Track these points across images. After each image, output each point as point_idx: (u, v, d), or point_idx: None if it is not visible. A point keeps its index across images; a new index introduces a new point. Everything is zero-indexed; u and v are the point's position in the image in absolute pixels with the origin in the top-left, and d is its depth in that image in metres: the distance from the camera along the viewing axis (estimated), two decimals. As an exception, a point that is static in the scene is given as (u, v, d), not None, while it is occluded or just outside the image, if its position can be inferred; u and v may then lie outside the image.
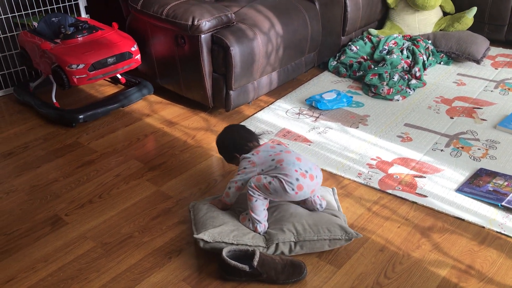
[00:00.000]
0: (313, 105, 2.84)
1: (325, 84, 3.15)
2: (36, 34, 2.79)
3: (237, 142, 2.01)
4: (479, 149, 2.43)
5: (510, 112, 2.72)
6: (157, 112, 2.87)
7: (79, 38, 2.73)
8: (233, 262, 1.64)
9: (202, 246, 1.76)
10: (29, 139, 2.63)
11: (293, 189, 1.75)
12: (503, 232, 1.90)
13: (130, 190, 2.20)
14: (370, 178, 2.23)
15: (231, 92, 2.67)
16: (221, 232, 1.78)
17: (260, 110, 2.86)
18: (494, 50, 3.55)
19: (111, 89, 3.12)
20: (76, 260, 1.83)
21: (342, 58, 3.32)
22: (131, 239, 1.92)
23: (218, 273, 1.72)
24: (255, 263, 1.63)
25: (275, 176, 1.76)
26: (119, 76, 3.08)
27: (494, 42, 3.62)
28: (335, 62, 3.34)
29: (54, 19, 2.88)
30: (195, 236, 1.76)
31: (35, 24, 2.91)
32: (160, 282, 1.72)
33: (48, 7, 3.15)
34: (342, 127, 2.66)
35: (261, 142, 2.04)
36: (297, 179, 1.76)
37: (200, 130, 2.68)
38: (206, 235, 1.75)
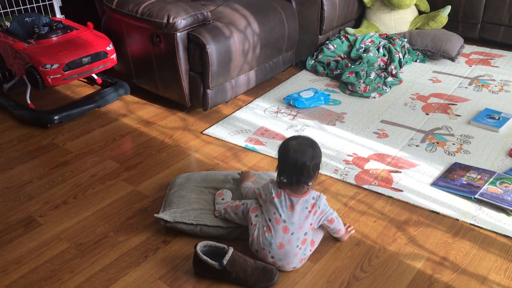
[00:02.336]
0: (291, 103, 2.85)
1: (303, 82, 3.16)
2: (9, 34, 2.74)
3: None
4: (453, 144, 2.46)
5: (483, 108, 2.76)
6: (134, 112, 2.85)
7: (53, 38, 2.69)
8: (204, 257, 1.64)
9: (164, 225, 1.86)
10: (2, 141, 2.58)
11: (251, 245, 1.73)
12: (476, 224, 1.93)
13: (105, 190, 2.18)
14: (346, 174, 2.24)
15: (209, 91, 2.66)
16: (183, 212, 1.84)
17: (238, 109, 2.86)
18: (468, 48, 3.61)
19: (87, 90, 3.08)
20: (49, 261, 1.80)
21: (319, 57, 3.34)
22: (107, 239, 1.89)
23: (194, 271, 1.71)
24: (225, 261, 1.62)
25: (258, 226, 1.72)
26: (95, 76, 3.05)
27: (468, 40, 3.68)
28: (313, 61, 3.35)
29: (27, 19, 2.83)
30: (155, 215, 1.84)
31: (8, 24, 2.87)
32: (136, 281, 1.71)
33: (22, 7, 3.10)
34: (319, 125, 2.67)
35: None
36: (257, 251, 1.71)
37: (177, 130, 2.66)
38: (168, 215, 1.84)
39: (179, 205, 1.90)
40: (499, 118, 2.63)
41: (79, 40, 2.72)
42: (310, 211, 1.69)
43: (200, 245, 1.68)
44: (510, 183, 2.09)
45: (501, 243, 1.84)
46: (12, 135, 2.63)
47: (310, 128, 2.63)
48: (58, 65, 2.55)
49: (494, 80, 3.13)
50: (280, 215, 1.68)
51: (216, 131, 2.63)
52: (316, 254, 1.79)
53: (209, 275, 1.67)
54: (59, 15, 3.23)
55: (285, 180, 1.68)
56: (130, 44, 2.79)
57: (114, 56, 2.80)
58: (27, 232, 1.94)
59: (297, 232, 1.68)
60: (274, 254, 1.68)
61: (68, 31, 2.76)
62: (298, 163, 1.64)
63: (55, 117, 2.66)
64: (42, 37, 2.67)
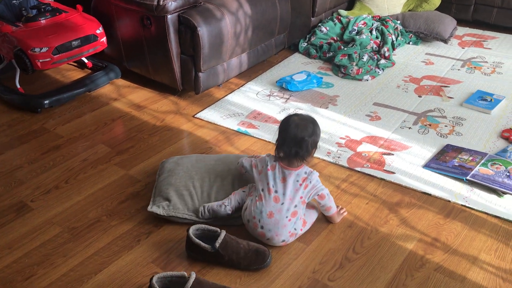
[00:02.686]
0: (284, 86, 2.84)
1: (296, 65, 3.15)
2: (-4, 17, 2.69)
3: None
4: (446, 126, 2.47)
5: (476, 90, 2.76)
6: (125, 96, 2.82)
7: (41, 21, 2.65)
8: (196, 240, 1.64)
9: (158, 214, 1.87)
10: (-8, 126, 2.56)
11: (243, 215, 1.78)
12: (467, 205, 1.94)
13: (97, 174, 2.17)
14: (339, 157, 2.24)
15: (200, 74, 2.64)
16: (170, 206, 1.87)
17: (231, 93, 2.84)
18: (461, 30, 3.59)
19: (77, 74, 3.04)
20: (42, 246, 1.79)
21: (312, 39, 3.31)
22: (99, 223, 1.89)
23: (186, 254, 1.71)
24: (218, 244, 1.63)
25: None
26: (85, 60, 3.01)
27: (461, 22, 3.67)
28: (306, 44, 3.33)
29: (15, 1, 2.78)
30: (149, 209, 1.87)
31: (-5, 7, 2.81)
32: (129, 264, 1.71)
33: (9, -10, 3.03)
34: (312, 108, 2.66)
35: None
36: (248, 221, 1.75)
37: (169, 114, 2.64)
38: (160, 210, 1.86)
39: (165, 198, 1.90)
40: (491, 100, 2.64)
41: (68, 23, 2.68)
42: (301, 185, 1.72)
43: (193, 229, 1.69)
44: (501, 164, 2.10)
45: (491, 224, 1.86)
46: (2, 120, 2.60)
47: (303, 111, 2.61)
48: (47, 48, 2.51)
49: (486, 62, 3.13)
50: (273, 186, 1.72)
51: (208, 114, 2.61)
52: (309, 236, 1.80)
53: (202, 258, 1.68)
54: (47, -2, 3.17)
55: (282, 154, 1.73)
56: (120, 27, 2.75)
57: (104, 39, 2.76)
58: (19, 217, 1.93)
59: (287, 203, 1.71)
60: (263, 223, 1.70)
61: (57, 14, 2.71)
62: (298, 136, 1.69)
63: (45, 102, 2.63)
64: (30, 20, 2.63)
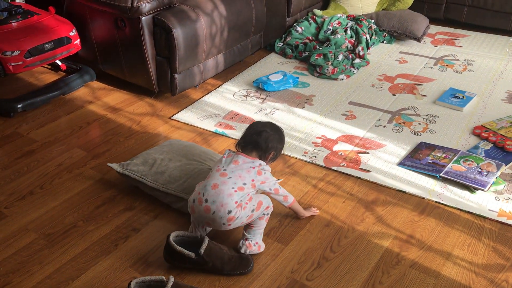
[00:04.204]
0: (260, 86, 2.85)
1: (272, 65, 3.16)
2: (-34, 20, 2.63)
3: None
4: (419, 124, 2.51)
5: (448, 88, 2.82)
6: (100, 98, 2.79)
7: (13, 24, 2.60)
8: (179, 247, 1.62)
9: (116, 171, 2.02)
10: (-37, 131, 2.50)
11: (189, 200, 1.72)
12: (441, 201, 1.99)
13: (73, 179, 2.14)
14: (315, 156, 2.26)
15: (176, 75, 2.63)
16: (128, 166, 2.03)
17: (208, 94, 2.84)
18: (434, 28, 3.66)
19: (51, 77, 3.00)
20: (17, 253, 1.76)
21: (288, 39, 3.33)
22: (75, 229, 1.87)
23: (165, 258, 1.71)
24: (202, 250, 1.61)
25: None
26: (59, 62, 2.96)
27: (434, 21, 3.74)
28: (281, 44, 3.35)
29: (-16, 4, 2.72)
30: (108, 164, 2.05)
31: (-36, 9, 2.75)
32: (107, 269, 1.70)
33: (-22, -8, 2.97)
34: (288, 108, 2.68)
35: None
36: (194, 200, 1.69)
37: (145, 116, 2.63)
38: (118, 168, 2.02)
39: (135, 159, 2.06)
40: (463, 97, 2.69)
41: (40, 25, 2.64)
42: (254, 168, 1.68)
43: (173, 235, 1.66)
44: (473, 161, 2.16)
45: (464, 220, 1.90)
46: (-27, 125, 2.55)
47: (279, 111, 2.64)
48: (19, 51, 2.47)
49: (458, 60, 3.19)
50: (222, 166, 1.70)
51: (185, 116, 2.61)
52: (286, 236, 1.82)
53: (184, 265, 1.65)
54: (19, 0, 3.12)
55: (241, 143, 1.76)
56: (94, 29, 2.72)
57: (78, 41, 2.73)
58: (-8, 224, 1.90)
59: (235, 178, 1.65)
60: (207, 196, 1.63)
61: (29, 16, 2.67)
62: (259, 128, 1.77)
63: (19, 106, 2.59)
64: (1, 22, 2.57)
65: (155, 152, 2.08)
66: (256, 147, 1.73)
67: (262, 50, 3.36)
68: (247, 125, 1.84)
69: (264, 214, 1.71)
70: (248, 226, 1.72)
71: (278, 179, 2.09)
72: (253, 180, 1.67)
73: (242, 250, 1.71)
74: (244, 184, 1.65)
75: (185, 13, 2.54)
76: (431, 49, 3.35)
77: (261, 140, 1.73)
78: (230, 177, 1.65)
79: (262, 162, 1.72)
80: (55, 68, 3.07)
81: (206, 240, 1.63)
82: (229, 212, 1.61)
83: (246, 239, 1.72)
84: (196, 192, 1.69)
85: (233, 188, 1.63)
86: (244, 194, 1.65)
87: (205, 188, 1.65)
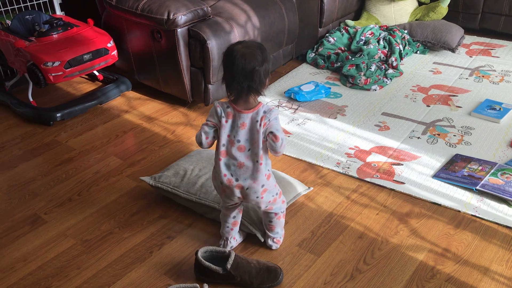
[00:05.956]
0: (292, 97, 2.86)
1: (304, 76, 3.17)
2: (10, 32, 2.74)
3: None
4: (454, 135, 2.47)
5: (484, 99, 2.77)
6: (136, 108, 2.86)
7: (54, 35, 2.70)
8: (206, 263, 1.64)
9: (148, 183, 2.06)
10: (6, 139, 2.59)
11: (214, 182, 1.71)
12: (477, 215, 1.94)
13: (109, 186, 2.20)
14: (348, 167, 2.25)
15: (210, 86, 2.67)
16: (160, 178, 2.06)
17: (240, 104, 2.86)
18: (469, 39, 3.60)
19: (88, 86, 3.09)
20: (56, 258, 1.82)
21: (320, 49, 3.34)
22: (112, 235, 1.92)
23: (195, 275, 1.71)
24: (229, 265, 1.62)
25: None
26: (96, 73, 3.06)
27: (468, 31, 3.68)
28: (313, 54, 3.35)
29: (28, 16, 2.84)
30: (140, 178, 2.09)
31: (9, 22, 2.87)
32: (142, 276, 1.73)
33: (22, 5, 3.10)
34: (320, 118, 2.68)
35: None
36: (221, 182, 1.64)
37: (179, 125, 2.67)
38: (151, 181, 2.06)
39: (166, 171, 2.08)
40: (500, 109, 2.64)
41: (79, 37, 2.73)
42: (260, 125, 1.56)
43: (201, 252, 1.68)
44: (511, 174, 2.11)
45: (502, 234, 1.86)
46: (15, 133, 2.65)
47: (311, 122, 2.64)
48: (59, 62, 2.56)
49: (494, 70, 3.13)
50: (234, 137, 1.59)
51: (218, 126, 2.64)
52: (319, 248, 1.81)
53: (213, 280, 1.66)
54: (59, 12, 3.23)
55: (234, 94, 1.57)
56: (130, 40, 2.79)
57: (115, 52, 2.81)
58: (33, 229, 1.96)
59: (253, 147, 1.59)
60: (237, 175, 1.61)
61: (69, 28, 2.77)
62: (247, 68, 1.51)
63: (58, 115, 2.68)
64: (42, 34, 2.68)
65: (184, 162, 2.11)
66: (250, 90, 1.55)
67: (294, 60, 3.38)
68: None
69: (281, 212, 1.77)
70: (269, 228, 1.79)
71: (309, 188, 2.09)
72: (263, 140, 1.59)
73: (274, 247, 1.82)
74: (261, 148, 1.59)
75: (219, 25, 2.59)
76: (466, 59, 3.30)
77: (256, 83, 1.53)
78: (249, 149, 1.60)
79: (266, 108, 1.58)
80: (92, 78, 3.17)
81: (233, 255, 1.65)
82: (263, 186, 1.65)
83: (273, 238, 1.82)
84: (221, 174, 1.62)
85: (257, 161, 1.60)
86: (265, 158, 1.63)
87: (230, 169, 1.61)
